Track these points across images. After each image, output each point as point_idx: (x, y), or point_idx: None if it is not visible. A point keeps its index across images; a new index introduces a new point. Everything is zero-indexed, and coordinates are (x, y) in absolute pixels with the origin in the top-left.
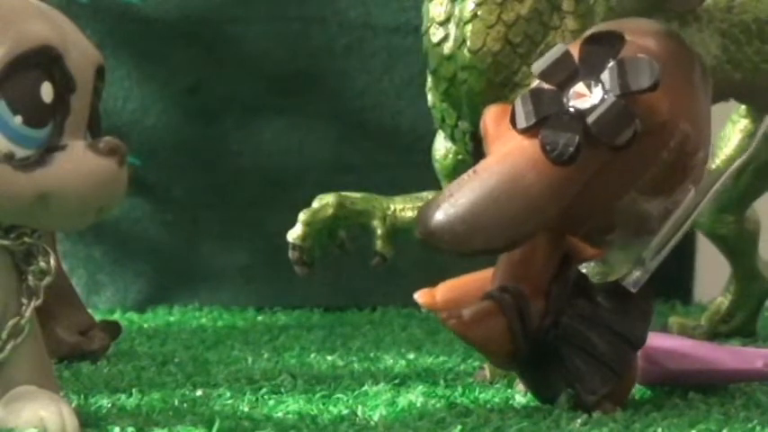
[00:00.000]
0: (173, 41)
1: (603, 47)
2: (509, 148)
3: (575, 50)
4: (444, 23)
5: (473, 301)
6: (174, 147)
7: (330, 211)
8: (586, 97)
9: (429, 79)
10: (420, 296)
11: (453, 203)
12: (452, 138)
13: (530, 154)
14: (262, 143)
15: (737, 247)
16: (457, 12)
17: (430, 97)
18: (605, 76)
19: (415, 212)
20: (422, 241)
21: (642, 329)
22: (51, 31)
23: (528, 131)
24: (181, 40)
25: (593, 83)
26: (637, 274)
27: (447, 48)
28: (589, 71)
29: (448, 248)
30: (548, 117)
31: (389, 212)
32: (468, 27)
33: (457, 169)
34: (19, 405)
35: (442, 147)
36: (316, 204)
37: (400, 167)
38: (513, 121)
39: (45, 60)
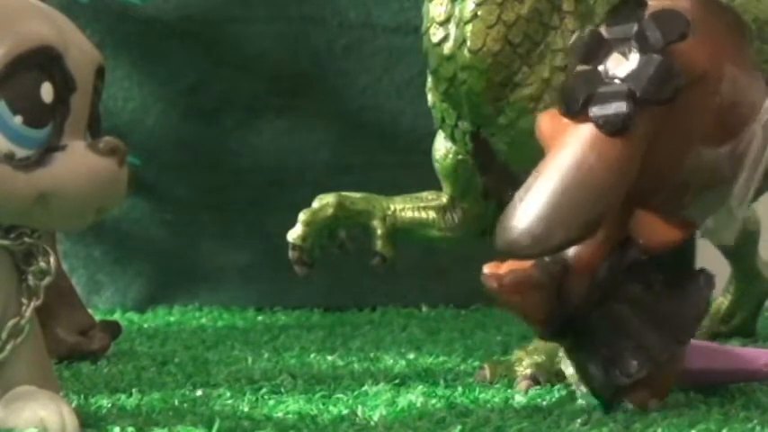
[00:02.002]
0: (173, 41)
1: (627, 13)
2: (564, 140)
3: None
4: (444, 23)
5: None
6: (174, 147)
7: (330, 211)
8: (624, 64)
9: (429, 79)
10: (487, 268)
11: (525, 207)
12: (452, 138)
13: (585, 136)
14: (262, 143)
15: (737, 247)
16: (457, 12)
17: (430, 97)
18: (636, 38)
19: (415, 213)
20: (503, 253)
21: (691, 325)
22: (51, 31)
23: (577, 116)
24: (181, 40)
25: (626, 49)
26: (729, 225)
27: (447, 48)
28: (620, 39)
29: (531, 252)
30: (592, 95)
31: (389, 212)
32: (469, 27)
33: (457, 169)
34: (19, 405)
35: (442, 147)
36: (316, 204)
37: (400, 167)
38: (562, 111)
39: (45, 60)
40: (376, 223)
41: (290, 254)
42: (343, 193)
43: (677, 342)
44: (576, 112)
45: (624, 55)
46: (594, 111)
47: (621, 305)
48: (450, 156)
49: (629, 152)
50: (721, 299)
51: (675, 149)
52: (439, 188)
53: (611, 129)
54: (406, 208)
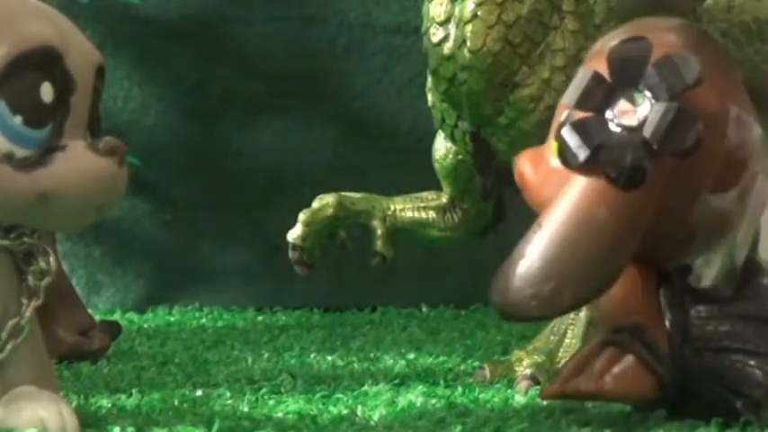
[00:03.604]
0: (173, 41)
1: (632, 55)
2: (569, 191)
3: (600, 67)
4: (444, 23)
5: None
6: (174, 147)
7: (330, 211)
8: (632, 112)
9: (429, 79)
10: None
11: (528, 265)
12: (452, 138)
13: (593, 189)
14: (262, 143)
15: None
16: (457, 12)
17: (430, 97)
18: (648, 83)
19: (415, 213)
20: (504, 315)
21: None
22: (51, 31)
23: (584, 167)
24: (181, 40)
25: (635, 95)
26: (728, 271)
27: (447, 48)
28: (626, 84)
29: (538, 314)
30: (601, 145)
31: (389, 212)
32: (469, 27)
33: (457, 169)
34: (19, 405)
35: (442, 147)
36: (316, 204)
37: (400, 167)
38: (564, 162)
39: (45, 60)
40: (376, 223)
41: (290, 254)
42: (343, 193)
43: None
44: (582, 164)
45: (632, 101)
46: (607, 163)
47: (707, 327)
48: (450, 156)
49: (640, 203)
50: None
51: (685, 198)
52: (439, 188)
53: (627, 182)
54: (406, 208)
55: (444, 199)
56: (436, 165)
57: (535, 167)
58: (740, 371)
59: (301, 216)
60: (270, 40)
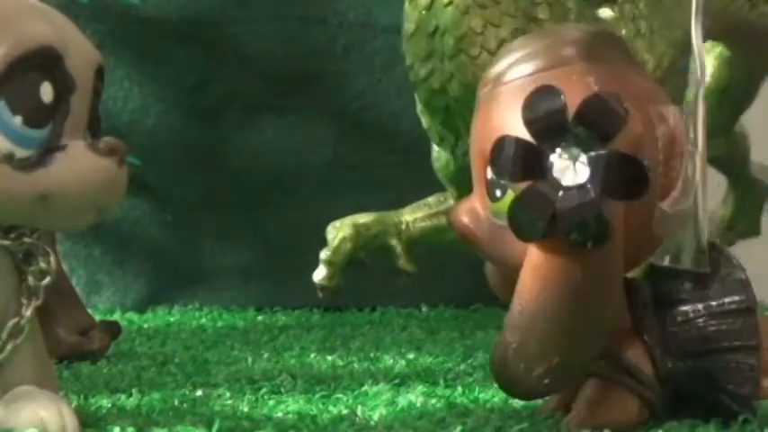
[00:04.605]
0: (173, 41)
1: (549, 117)
2: (532, 260)
3: (519, 129)
4: (425, 61)
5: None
6: (174, 147)
7: (349, 245)
8: (572, 168)
9: (420, 106)
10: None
11: (527, 349)
12: (453, 153)
13: (561, 252)
14: (262, 143)
15: (730, 163)
16: (438, 47)
17: (424, 121)
18: (575, 138)
19: (427, 221)
20: (519, 397)
21: (746, 290)
22: (51, 32)
23: (544, 241)
24: (181, 40)
25: (566, 152)
26: (697, 252)
27: (436, 82)
28: (554, 144)
29: (555, 390)
30: (555, 215)
31: (403, 227)
32: (453, 63)
33: (459, 175)
34: (19, 405)
35: (442, 156)
36: (332, 239)
37: (400, 167)
38: (522, 239)
39: (45, 61)
40: (393, 242)
41: (320, 294)
42: (356, 221)
43: (752, 312)
44: (542, 239)
45: (568, 158)
46: (568, 231)
47: (680, 331)
48: (452, 165)
49: (608, 251)
50: (722, 211)
51: (644, 221)
52: (439, 189)
53: (597, 243)
54: (418, 219)
55: (452, 201)
56: (438, 173)
57: (475, 221)
58: (725, 369)
59: (323, 256)
60: (270, 40)
